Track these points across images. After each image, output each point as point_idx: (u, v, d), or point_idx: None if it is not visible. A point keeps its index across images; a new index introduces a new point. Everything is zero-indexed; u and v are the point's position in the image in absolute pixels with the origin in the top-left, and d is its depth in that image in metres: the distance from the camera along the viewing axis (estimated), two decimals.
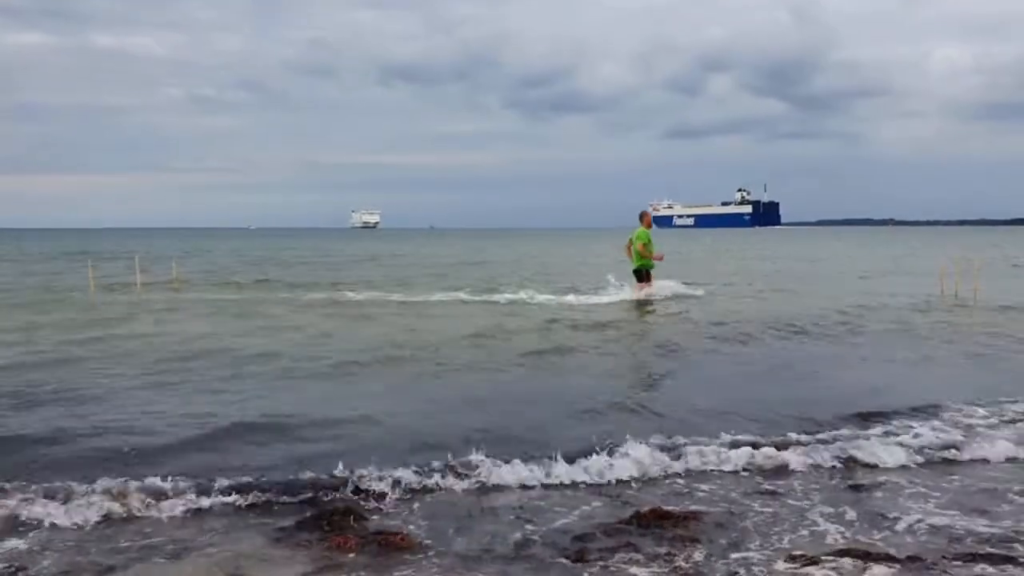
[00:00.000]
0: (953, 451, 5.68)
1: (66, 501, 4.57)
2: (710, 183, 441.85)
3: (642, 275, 15.74)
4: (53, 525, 4.30)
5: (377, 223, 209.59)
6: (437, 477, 5.02)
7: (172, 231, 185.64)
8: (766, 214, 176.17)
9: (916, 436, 5.94)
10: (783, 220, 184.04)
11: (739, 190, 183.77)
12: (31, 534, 4.20)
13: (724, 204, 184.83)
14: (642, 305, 14.92)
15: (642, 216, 16.00)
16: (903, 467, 5.39)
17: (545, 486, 4.95)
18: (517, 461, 5.20)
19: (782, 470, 5.33)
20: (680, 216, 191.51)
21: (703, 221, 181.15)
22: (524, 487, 4.96)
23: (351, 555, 3.94)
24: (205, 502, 4.64)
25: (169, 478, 4.91)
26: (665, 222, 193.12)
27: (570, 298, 16.27)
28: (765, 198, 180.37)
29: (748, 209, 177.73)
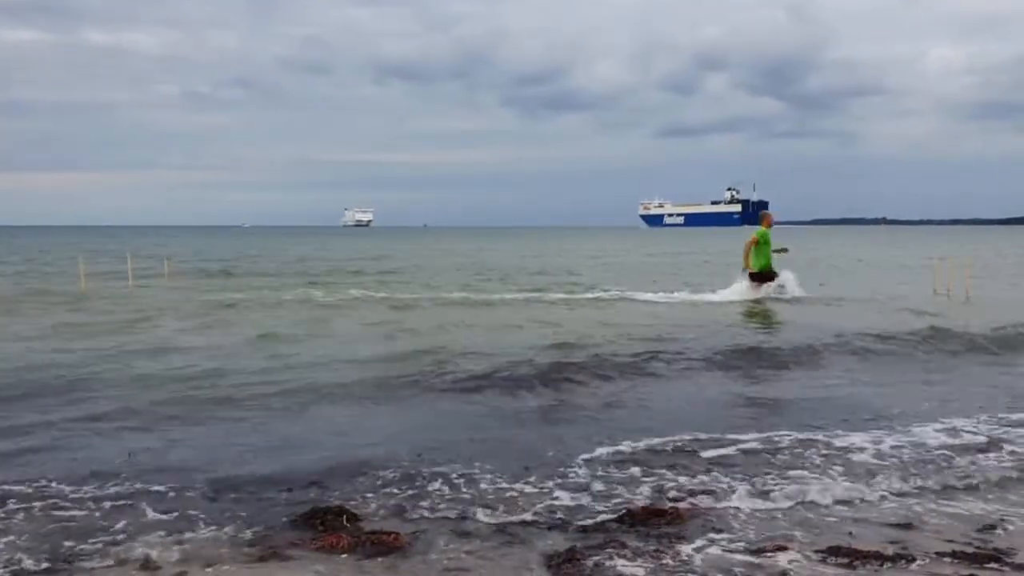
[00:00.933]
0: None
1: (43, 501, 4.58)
2: (706, 182, 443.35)
3: (763, 276, 15.48)
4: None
5: (370, 221, 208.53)
6: (438, 482, 5.04)
7: (166, 229, 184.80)
8: (755, 213, 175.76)
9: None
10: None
11: (729, 188, 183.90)
12: None
13: (714, 203, 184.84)
14: (765, 304, 14.72)
15: (762, 217, 16.16)
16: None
17: (542, 490, 4.95)
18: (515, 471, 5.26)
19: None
20: (670, 215, 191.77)
21: (693, 220, 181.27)
22: (523, 487, 4.97)
23: (343, 555, 3.96)
24: (197, 501, 4.66)
25: (163, 479, 4.93)
26: (656, 221, 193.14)
27: (681, 295, 16.45)
28: (754, 197, 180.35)
29: (738, 208, 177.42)
